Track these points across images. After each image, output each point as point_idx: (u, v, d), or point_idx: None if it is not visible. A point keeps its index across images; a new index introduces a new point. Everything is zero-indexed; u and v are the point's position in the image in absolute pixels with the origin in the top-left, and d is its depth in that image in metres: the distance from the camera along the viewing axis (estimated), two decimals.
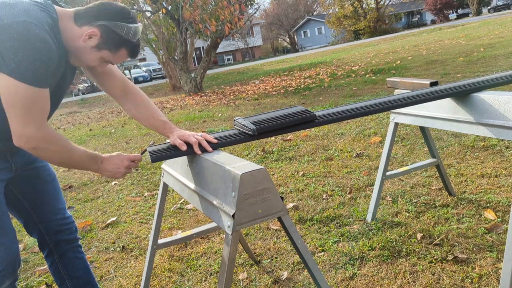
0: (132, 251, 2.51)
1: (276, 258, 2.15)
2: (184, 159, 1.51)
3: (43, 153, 1.30)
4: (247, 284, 1.96)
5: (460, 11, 45.66)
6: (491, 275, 1.72)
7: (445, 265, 1.84)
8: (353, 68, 11.12)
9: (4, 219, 1.41)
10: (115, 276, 2.25)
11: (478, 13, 40.07)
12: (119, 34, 1.32)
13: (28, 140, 1.26)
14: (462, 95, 1.73)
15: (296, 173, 3.40)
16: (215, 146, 1.40)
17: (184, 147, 1.38)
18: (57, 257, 1.66)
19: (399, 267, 1.88)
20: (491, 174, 2.68)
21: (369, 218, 2.36)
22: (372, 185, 2.86)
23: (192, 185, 1.44)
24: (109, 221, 3.00)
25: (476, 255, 1.87)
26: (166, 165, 1.75)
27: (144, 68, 31.12)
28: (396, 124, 2.26)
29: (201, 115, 7.66)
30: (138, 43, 1.41)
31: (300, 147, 4.15)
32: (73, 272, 1.68)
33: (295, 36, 49.86)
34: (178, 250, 2.41)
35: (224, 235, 1.80)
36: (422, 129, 2.34)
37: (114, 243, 2.67)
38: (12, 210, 1.58)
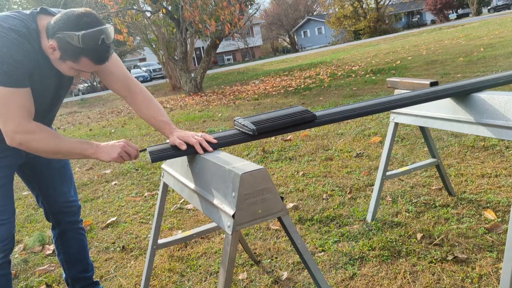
0: (132, 251, 2.51)
1: (276, 258, 2.15)
2: (184, 159, 1.51)
3: (30, 146, 1.40)
4: (247, 284, 1.96)
5: (460, 11, 45.67)
6: (491, 275, 1.72)
7: (445, 265, 1.84)
8: (353, 68, 11.12)
9: (9, 202, 1.59)
10: (115, 276, 2.25)
11: (478, 13, 40.09)
12: (71, 43, 1.32)
13: (13, 138, 1.38)
14: (462, 95, 1.73)
15: (296, 173, 3.40)
16: (215, 146, 1.40)
17: (183, 146, 1.38)
18: (58, 232, 1.89)
19: (399, 267, 1.88)
20: (491, 174, 2.68)
21: (369, 218, 2.36)
22: (372, 185, 2.86)
23: (192, 185, 1.45)
24: (109, 221, 3.00)
25: (476, 255, 1.87)
26: (166, 165, 1.75)
27: (144, 68, 31.11)
28: (396, 124, 2.26)
29: (201, 115, 7.67)
30: (101, 48, 1.35)
31: (300, 147, 4.15)
32: (68, 249, 1.90)
33: (295, 36, 49.87)
34: (178, 250, 2.41)
35: (224, 235, 1.80)
36: (422, 129, 2.34)
37: (114, 243, 2.67)
38: (27, 184, 1.82)
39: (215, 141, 1.40)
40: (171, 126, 1.53)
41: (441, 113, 1.89)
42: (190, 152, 1.39)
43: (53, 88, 1.55)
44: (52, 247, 2.71)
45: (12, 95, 1.36)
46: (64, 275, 1.97)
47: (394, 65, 9.95)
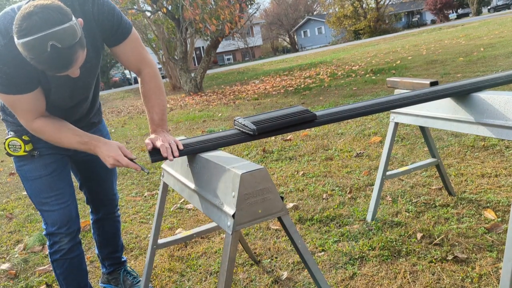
0: (132, 251, 2.51)
1: (276, 258, 2.15)
2: (184, 159, 1.51)
3: (40, 136, 1.49)
4: (247, 284, 1.96)
5: (460, 11, 45.65)
6: (491, 275, 1.72)
7: (445, 265, 1.84)
8: (353, 68, 11.12)
9: (65, 185, 1.64)
10: None
11: (478, 13, 40.07)
12: (22, 52, 1.17)
13: (26, 127, 1.46)
14: (462, 95, 1.73)
15: (296, 173, 3.40)
16: (182, 153, 1.37)
17: (149, 147, 1.40)
18: (95, 218, 1.99)
19: (399, 267, 1.88)
20: (491, 174, 2.68)
21: (369, 218, 2.36)
22: (372, 185, 2.86)
23: (192, 185, 1.45)
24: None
25: (476, 255, 1.87)
26: (166, 165, 1.75)
27: None
28: (396, 124, 2.26)
29: (201, 115, 7.67)
30: (54, 56, 1.15)
31: (300, 147, 4.15)
32: (102, 233, 2.01)
33: (295, 36, 49.85)
34: (178, 250, 2.41)
35: (224, 235, 1.80)
36: (422, 129, 2.34)
37: None
38: (73, 172, 1.86)
39: (181, 147, 1.37)
40: (156, 125, 1.52)
41: (441, 113, 1.89)
42: (189, 152, 1.39)
43: (67, 80, 1.44)
44: None
45: (17, 100, 1.37)
46: (96, 251, 2.09)
47: (394, 65, 9.95)
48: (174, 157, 1.35)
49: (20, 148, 1.55)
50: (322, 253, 2.11)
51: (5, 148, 1.56)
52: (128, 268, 2.12)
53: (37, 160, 1.59)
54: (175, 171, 1.64)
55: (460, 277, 1.74)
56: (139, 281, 2.07)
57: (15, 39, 1.15)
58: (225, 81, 15.98)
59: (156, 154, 1.37)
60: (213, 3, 11.31)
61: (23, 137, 1.55)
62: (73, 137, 1.46)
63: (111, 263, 2.08)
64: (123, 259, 2.12)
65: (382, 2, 39.03)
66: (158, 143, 1.38)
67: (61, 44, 1.14)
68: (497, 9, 40.85)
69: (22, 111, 1.40)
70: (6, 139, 1.56)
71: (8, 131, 1.60)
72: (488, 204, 2.30)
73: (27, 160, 1.59)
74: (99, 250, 2.07)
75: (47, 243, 1.68)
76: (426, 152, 3.31)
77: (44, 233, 1.67)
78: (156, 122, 1.53)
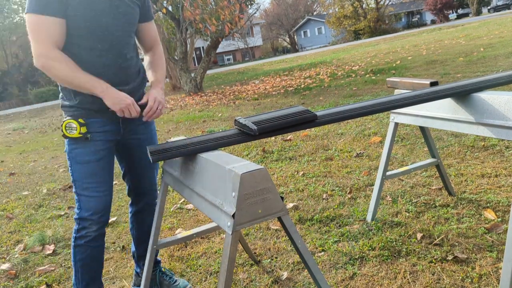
0: None
1: (276, 258, 2.15)
2: (184, 159, 1.51)
3: (49, 71, 1.52)
4: (247, 284, 1.96)
5: (460, 11, 45.69)
6: (491, 275, 1.72)
7: (445, 265, 1.84)
8: (353, 68, 11.12)
9: (107, 175, 1.69)
10: (115, 276, 2.25)
11: (478, 13, 40.10)
12: None
13: (38, 59, 1.49)
14: (462, 95, 1.73)
15: (296, 173, 3.41)
16: (216, 146, 1.40)
17: (143, 101, 1.66)
18: (135, 210, 1.98)
19: (399, 267, 1.88)
20: (491, 174, 2.68)
21: (369, 218, 2.36)
22: (372, 185, 2.86)
23: (192, 185, 1.45)
24: (109, 221, 3.00)
25: (476, 255, 1.87)
26: (166, 165, 1.75)
27: None
28: (396, 124, 2.26)
29: (201, 115, 7.67)
30: None
31: (300, 147, 4.15)
32: (140, 226, 1.99)
33: (295, 36, 49.86)
34: (178, 250, 2.41)
35: (224, 235, 1.80)
36: (422, 129, 2.34)
37: (114, 243, 2.67)
38: (118, 161, 1.90)
39: (162, 113, 1.71)
40: (156, 81, 1.77)
41: (441, 113, 1.89)
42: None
43: (108, 10, 1.57)
44: (52, 247, 2.71)
45: (42, 22, 1.46)
46: (132, 249, 2.06)
47: (394, 65, 9.95)
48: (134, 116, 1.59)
49: (76, 129, 1.60)
50: (322, 253, 2.11)
51: (61, 130, 1.61)
52: (163, 268, 2.09)
53: (89, 145, 1.64)
54: (175, 171, 1.64)
55: (460, 277, 1.74)
56: (176, 281, 2.05)
57: None
58: (225, 81, 15.99)
59: (156, 154, 1.37)
60: (213, 3, 11.32)
61: (79, 120, 1.61)
62: (83, 78, 1.53)
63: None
64: (158, 259, 2.09)
65: (382, 2, 39.06)
66: (149, 103, 1.63)
67: None
68: (497, 9, 40.89)
69: (47, 35, 1.47)
70: (64, 121, 1.61)
71: (65, 116, 1.65)
72: (488, 204, 2.30)
73: (80, 143, 1.64)
74: (136, 247, 2.03)
75: (75, 227, 1.70)
76: (426, 152, 3.31)
77: (75, 217, 1.69)
78: (159, 78, 1.76)
